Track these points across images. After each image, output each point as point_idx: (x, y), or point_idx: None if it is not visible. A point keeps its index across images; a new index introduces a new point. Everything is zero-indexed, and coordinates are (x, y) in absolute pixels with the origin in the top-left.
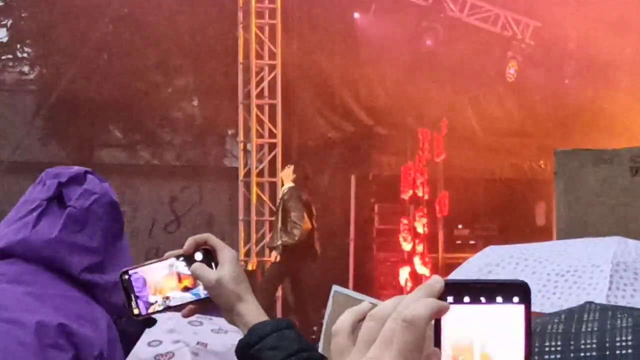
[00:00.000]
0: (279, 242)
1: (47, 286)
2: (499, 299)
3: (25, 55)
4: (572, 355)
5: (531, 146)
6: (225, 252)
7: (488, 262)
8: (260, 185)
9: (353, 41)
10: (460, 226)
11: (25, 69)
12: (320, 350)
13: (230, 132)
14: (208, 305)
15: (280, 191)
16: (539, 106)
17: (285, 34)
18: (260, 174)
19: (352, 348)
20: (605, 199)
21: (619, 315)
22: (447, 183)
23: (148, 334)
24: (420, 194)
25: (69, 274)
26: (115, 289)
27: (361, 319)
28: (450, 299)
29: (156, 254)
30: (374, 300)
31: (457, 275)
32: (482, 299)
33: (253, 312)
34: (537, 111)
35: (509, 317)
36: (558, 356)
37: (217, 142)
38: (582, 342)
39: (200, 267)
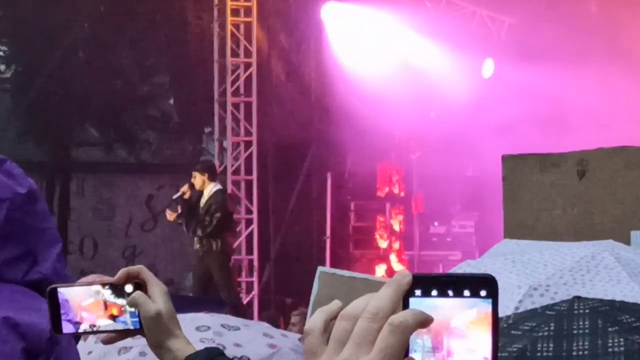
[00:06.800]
0: (198, 247)
1: None
2: (467, 292)
3: (0, 53)
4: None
5: (507, 144)
6: (157, 287)
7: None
8: (236, 183)
9: (328, 40)
10: (436, 223)
11: (1, 67)
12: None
13: (206, 130)
14: (129, 335)
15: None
16: (514, 103)
17: (261, 32)
18: (236, 171)
19: (324, 347)
20: (552, 202)
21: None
22: (423, 181)
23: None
24: (396, 191)
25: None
26: (54, 279)
27: (333, 318)
28: (418, 292)
29: (133, 252)
30: (365, 276)
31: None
32: (450, 293)
33: (183, 346)
34: (513, 109)
35: (476, 310)
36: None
37: (193, 140)
38: (574, 344)
39: (142, 297)
